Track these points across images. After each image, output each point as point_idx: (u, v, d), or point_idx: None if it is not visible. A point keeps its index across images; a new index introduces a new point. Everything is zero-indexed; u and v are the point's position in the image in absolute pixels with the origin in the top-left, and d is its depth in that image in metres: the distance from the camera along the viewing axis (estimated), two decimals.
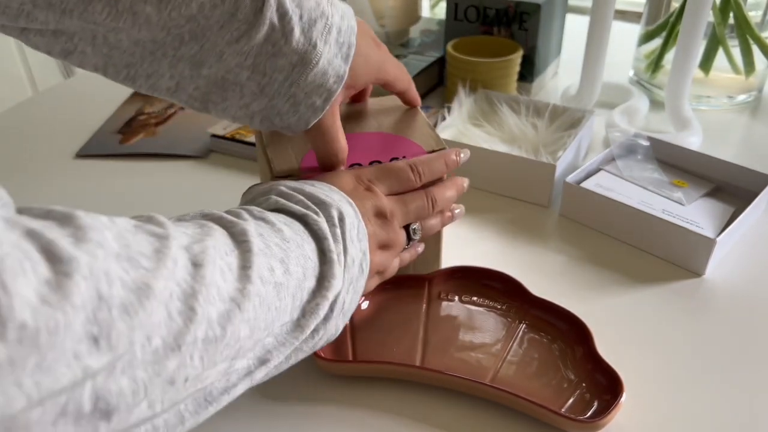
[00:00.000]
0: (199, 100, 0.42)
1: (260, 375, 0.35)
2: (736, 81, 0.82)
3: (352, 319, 0.49)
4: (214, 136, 0.75)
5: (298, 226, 0.38)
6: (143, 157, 0.75)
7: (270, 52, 0.39)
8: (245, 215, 0.36)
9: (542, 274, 0.56)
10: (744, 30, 0.77)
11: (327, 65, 0.41)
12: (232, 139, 0.74)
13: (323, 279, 0.37)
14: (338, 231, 0.39)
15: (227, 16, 0.38)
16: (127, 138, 0.79)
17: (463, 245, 0.59)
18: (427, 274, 0.52)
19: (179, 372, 0.29)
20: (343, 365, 0.46)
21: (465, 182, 0.50)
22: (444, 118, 0.73)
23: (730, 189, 0.63)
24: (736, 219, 0.56)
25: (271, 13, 0.38)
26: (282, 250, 0.35)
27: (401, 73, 0.50)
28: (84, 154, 0.76)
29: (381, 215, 0.43)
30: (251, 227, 0.35)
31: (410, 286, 0.52)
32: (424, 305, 0.51)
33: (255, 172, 0.71)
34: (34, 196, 0.69)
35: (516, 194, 0.66)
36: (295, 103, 0.42)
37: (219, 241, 0.33)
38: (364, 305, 0.50)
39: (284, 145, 0.48)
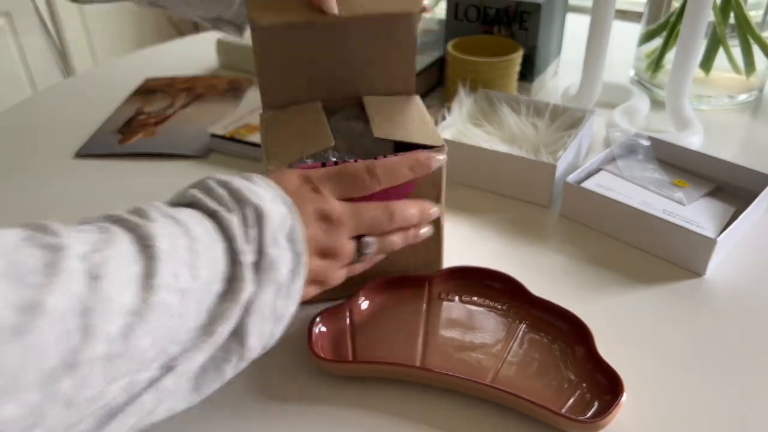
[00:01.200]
0: None
1: (169, 382, 0.33)
2: (736, 81, 0.82)
3: (352, 319, 0.49)
4: (213, 135, 0.75)
5: (208, 225, 0.36)
6: (142, 156, 0.75)
7: None
8: (154, 214, 0.35)
9: (542, 274, 0.56)
10: (744, 30, 0.77)
11: None
12: (232, 138, 0.74)
13: (232, 282, 0.35)
14: (253, 231, 0.36)
15: None
16: (126, 138, 0.79)
17: (463, 245, 0.59)
18: (427, 274, 0.52)
19: (78, 392, 0.27)
20: (343, 365, 0.46)
21: (433, 209, 0.47)
22: (444, 118, 0.73)
23: (730, 189, 0.63)
24: (736, 219, 0.56)
25: None
26: (189, 252, 0.34)
27: None
28: (83, 153, 0.76)
29: (326, 219, 0.41)
30: (158, 229, 0.33)
31: (410, 286, 0.52)
32: (424, 305, 0.51)
33: (255, 171, 0.71)
34: (34, 196, 0.69)
35: (516, 194, 0.66)
36: None
37: (122, 248, 0.31)
38: (364, 305, 0.50)
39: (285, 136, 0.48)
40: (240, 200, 0.37)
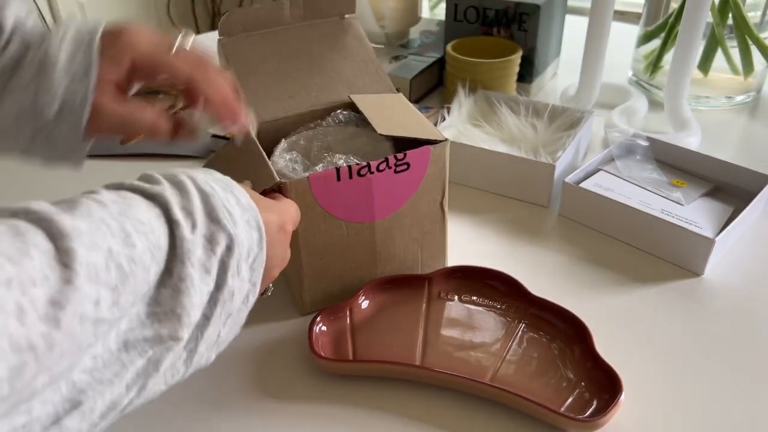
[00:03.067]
0: None
1: (73, 423, 0.27)
2: (734, 81, 0.82)
3: (352, 318, 0.49)
4: (214, 136, 0.75)
5: (161, 234, 0.30)
6: (144, 157, 0.75)
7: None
8: (94, 209, 0.28)
9: (542, 273, 0.56)
10: (743, 30, 0.78)
11: (68, 62, 0.41)
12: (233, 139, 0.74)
13: (169, 327, 0.30)
14: (215, 258, 0.32)
15: None
16: (127, 138, 0.79)
17: (463, 245, 0.60)
18: (427, 274, 0.53)
19: None
20: (343, 365, 0.46)
21: None
22: (444, 119, 0.74)
23: (728, 189, 0.64)
24: (734, 219, 0.56)
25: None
26: (121, 275, 0.27)
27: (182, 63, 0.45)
28: None
29: (283, 230, 0.40)
30: (85, 240, 0.26)
31: (410, 286, 0.52)
32: (424, 305, 0.51)
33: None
34: (35, 196, 0.69)
35: (516, 194, 0.66)
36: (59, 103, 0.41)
37: (28, 267, 0.24)
38: (365, 305, 0.51)
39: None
40: (213, 220, 0.33)
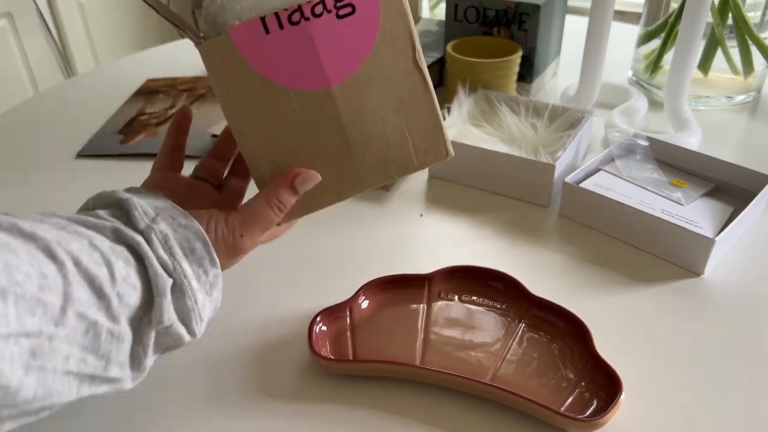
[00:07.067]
0: None
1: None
2: (734, 81, 0.83)
3: (352, 318, 0.49)
4: (214, 136, 0.75)
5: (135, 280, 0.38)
6: (144, 157, 0.75)
7: None
8: (62, 268, 0.34)
9: (542, 273, 0.56)
10: (743, 30, 0.78)
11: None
12: None
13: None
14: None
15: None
16: (128, 138, 0.79)
17: (463, 245, 0.60)
18: (426, 274, 0.53)
19: None
20: (343, 365, 0.46)
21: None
22: (444, 119, 0.74)
23: (729, 189, 0.64)
24: (735, 219, 0.56)
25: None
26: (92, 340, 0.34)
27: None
28: (85, 154, 0.77)
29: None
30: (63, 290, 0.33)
31: (410, 286, 0.52)
32: (424, 305, 0.51)
33: None
34: (36, 196, 0.69)
35: (516, 194, 0.66)
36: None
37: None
38: (365, 304, 0.51)
39: None
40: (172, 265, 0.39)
